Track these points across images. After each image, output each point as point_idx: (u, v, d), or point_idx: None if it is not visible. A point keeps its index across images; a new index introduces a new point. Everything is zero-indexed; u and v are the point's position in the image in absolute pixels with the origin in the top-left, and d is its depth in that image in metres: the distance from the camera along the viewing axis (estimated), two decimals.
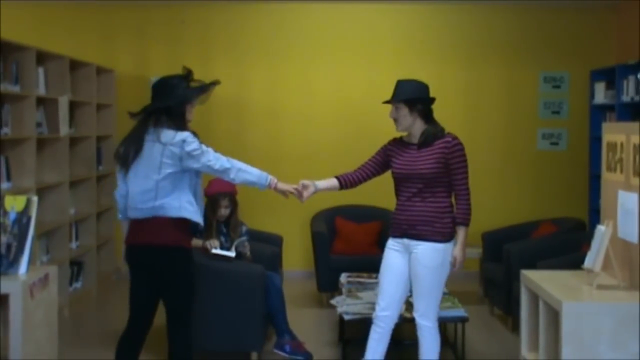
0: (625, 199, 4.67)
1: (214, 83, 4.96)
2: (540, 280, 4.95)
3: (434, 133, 4.99)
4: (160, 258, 4.78)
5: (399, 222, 5.06)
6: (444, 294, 6.47)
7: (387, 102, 5.11)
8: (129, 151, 4.79)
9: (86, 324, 7.73)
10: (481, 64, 9.77)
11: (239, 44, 9.73)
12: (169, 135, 4.72)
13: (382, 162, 5.18)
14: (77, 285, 8.45)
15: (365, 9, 9.71)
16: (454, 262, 4.99)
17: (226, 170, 4.81)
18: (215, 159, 4.78)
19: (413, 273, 5.01)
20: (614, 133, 5.04)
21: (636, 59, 8.13)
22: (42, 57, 7.64)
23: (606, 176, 5.15)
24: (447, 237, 4.95)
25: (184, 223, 4.83)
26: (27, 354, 4.48)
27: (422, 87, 5.11)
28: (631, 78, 8.07)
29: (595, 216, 8.41)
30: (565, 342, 4.32)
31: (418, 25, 9.78)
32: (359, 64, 9.67)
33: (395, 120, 5.07)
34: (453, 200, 5.05)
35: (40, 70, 7.61)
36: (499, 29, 9.77)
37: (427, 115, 5.05)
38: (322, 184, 5.16)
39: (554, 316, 4.63)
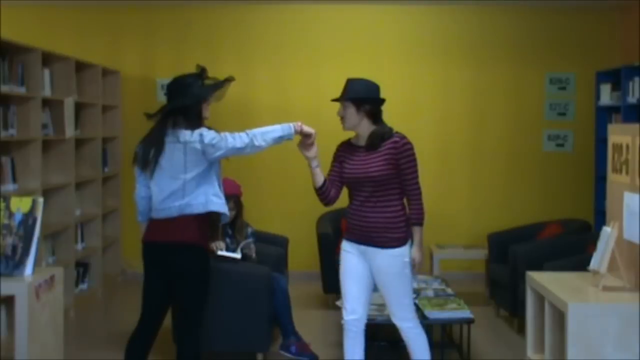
0: (631, 201, 4.66)
1: (228, 80, 4.99)
2: (546, 281, 4.94)
3: (381, 134, 4.92)
4: (181, 256, 4.80)
5: (352, 227, 5.02)
6: (450, 295, 6.51)
7: (335, 100, 5.05)
8: (149, 153, 4.82)
9: (92, 326, 7.74)
10: (487, 65, 9.77)
11: (246, 45, 9.74)
12: (186, 134, 4.76)
13: (342, 171, 5.07)
14: (83, 286, 8.46)
15: (371, 10, 9.71)
16: (413, 263, 4.96)
17: (250, 143, 4.82)
18: (234, 139, 4.81)
19: (378, 282, 5.00)
20: (619, 134, 5.03)
21: None
22: (48, 59, 7.65)
23: (612, 177, 5.14)
24: (402, 241, 4.92)
25: (205, 222, 4.86)
26: (32, 356, 4.48)
27: (372, 87, 5.02)
28: (637, 79, 8.06)
29: (601, 217, 8.40)
30: (571, 343, 4.31)
31: (424, 26, 9.79)
32: (365, 65, 9.64)
33: (342, 118, 5.00)
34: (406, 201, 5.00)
35: (46, 72, 7.61)
36: (505, 30, 9.77)
37: (375, 116, 4.98)
38: (318, 168, 5.01)
39: (560, 317, 4.62)
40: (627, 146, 4.84)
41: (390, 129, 4.97)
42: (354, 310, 5.08)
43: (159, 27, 9.77)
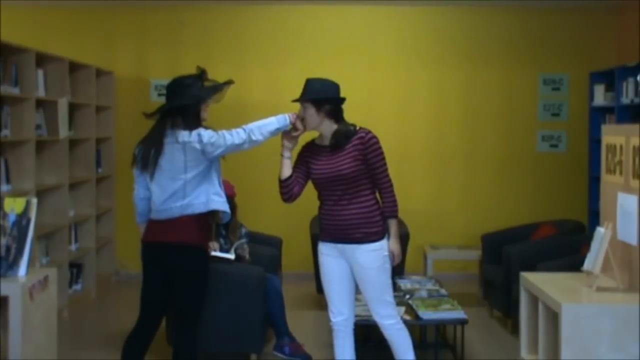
0: (625, 201, 4.67)
1: (228, 82, 5.02)
2: (540, 282, 4.95)
3: (345, 133, 4.91)
4: (182, 256, 4.81)
5: (328, 228, 5.00)
6: (444, 295, 6.51)
7: (294, 100, 5.04)
8: (149, 154, 4.82)
9: (85, 326, 7.73)
10: (481, 66, 9.78)
11: (239, 46, 9.73)
12: (184, 134, 4.78)
13: (307, 171, 5.05)
14: (77, 287, 8.44)
15: (364, 11, 9.71)
16: (392, 256, 4.97)
17: (248, 138, 4.87)
18: (232, 136, 4.85)
19: (359, 279, 5.00)
20: (613, 135, 5.05)
21: (636, 60, 8.13)
22: (42, 59, 7.63)
23: (605, 178, 5.15)
24: (380, 235, 4.93)
25: (206, 222, 4.87)
26: (26, 356, 4.47)
27: (331, 87, 5.01)
28: (630, 80, 8.07)
29: (594, 218, 8.41)
30: (564, 344, 4.32)
31: (418, 27, 9.79)
32: (359, 66, 9.66)
33: (303, 119, 4.99)
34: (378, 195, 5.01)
35: (40, 73, 7.59)
36: (499, 31, 9.78)
37: (336, 116, 4.97)
38: (289, 160, 5.02)
39: (554, 318, 4.63)
40: (621, 147, 4.85)
41: (354, 126, 4.97)
42: (340, 311, 5.09)
43: (152, 28, 9.75)
